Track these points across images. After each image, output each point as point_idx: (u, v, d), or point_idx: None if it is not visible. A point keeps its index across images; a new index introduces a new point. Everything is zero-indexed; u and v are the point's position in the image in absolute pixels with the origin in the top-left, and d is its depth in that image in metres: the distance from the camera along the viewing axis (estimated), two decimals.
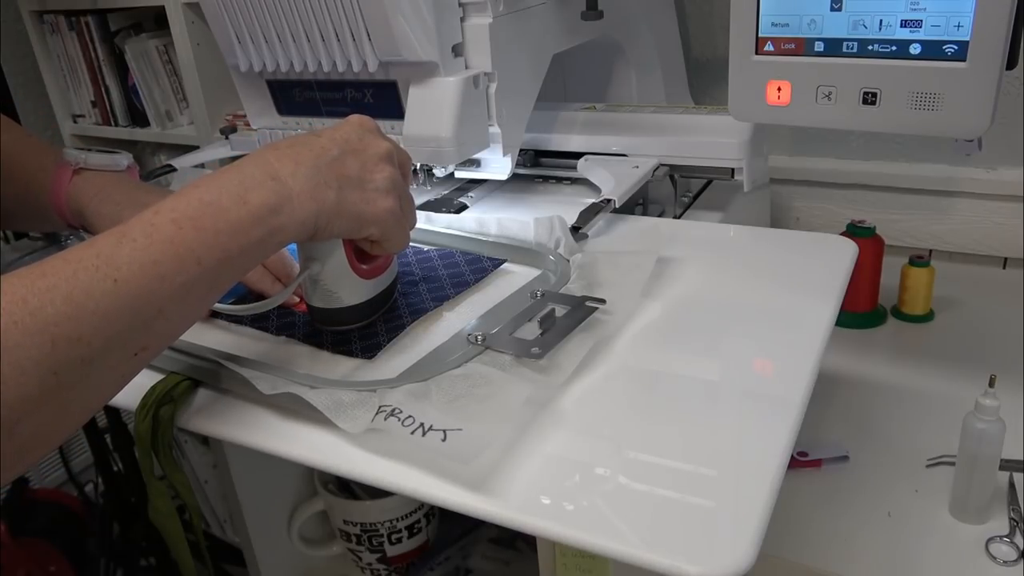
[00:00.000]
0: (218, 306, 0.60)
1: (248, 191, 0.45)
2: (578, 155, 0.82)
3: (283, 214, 0.46)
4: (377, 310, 0.59)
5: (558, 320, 0.53)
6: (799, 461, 0.66)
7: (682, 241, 0.68)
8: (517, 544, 1.00)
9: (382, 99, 0.74)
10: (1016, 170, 0.94)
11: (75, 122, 1.56)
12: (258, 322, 0.61)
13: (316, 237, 0.50)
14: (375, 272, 0.57)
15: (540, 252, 0.66)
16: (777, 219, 1.08)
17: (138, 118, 1.45)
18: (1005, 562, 0.56)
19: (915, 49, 0.54)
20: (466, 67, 0.71)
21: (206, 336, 0.60)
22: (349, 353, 0.56)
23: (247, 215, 0.45)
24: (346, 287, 0.56)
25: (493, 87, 0.71)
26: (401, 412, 0.45)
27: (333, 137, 0.51)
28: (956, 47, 0.53)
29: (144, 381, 0.54)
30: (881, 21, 0.55)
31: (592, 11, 0.74)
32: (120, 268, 0.40)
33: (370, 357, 0.55)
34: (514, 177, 0.80)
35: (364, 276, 0.56)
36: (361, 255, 0.56)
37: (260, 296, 0.62)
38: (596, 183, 0.77)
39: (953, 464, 0.61)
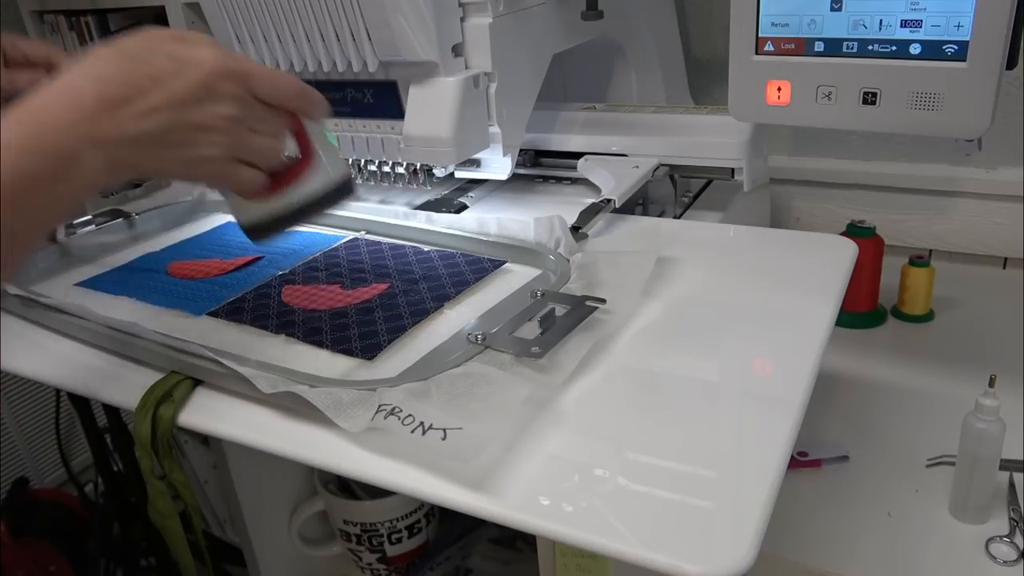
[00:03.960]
0: None
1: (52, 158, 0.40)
2: (578, 155, 0.82)
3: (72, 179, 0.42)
4: (303, 217, 0.54)
5: (558, 320, 0.53)
6: (799, 461, 0.66)
7: (682, 241, 0.68)
8: (517, 544, 1.00)
9: (382, 99, 0.74)
10: (1016, 170, 0.94)
11: None
12: (258, 321, 0.61)
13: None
14: (271, 191, 0.52)
15: (540, 252, 0.66)
16: (777, 219, 1.08)
17: None
18: (1005, 562, 0.56)
19: (915, 49, 0.54)
20: (466, 67, 0.71)
21: (206, 336, 0.60)
22: (349, 352, 0.56)
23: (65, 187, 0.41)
24: (245, 209, 0.53)
25: (493, 87, 0.71)
26: (401, 411, 0.45)
27: (150, 98, 0.44)
28: (956, 47, 0.53)
29: (144, 381, 0.54)
30: (881, 21, 0.55)
31: (592, 11, 0.74)
32: None
33: (370, 357, 0.55)
34: (514, 177, 0.80)
35: (260, 199, 0.52)
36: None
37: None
38: (596, 183, 0.77)
39: (953, 464, 0.61)
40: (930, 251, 1.01)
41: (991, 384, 0.58)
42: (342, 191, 0.55)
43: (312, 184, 0.53)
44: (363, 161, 0.80)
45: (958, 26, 0.52)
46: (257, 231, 0.53)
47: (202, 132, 0.45)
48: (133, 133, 0.43)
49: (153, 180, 0.92)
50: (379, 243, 0.74)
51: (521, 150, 0.82)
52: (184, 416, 0.52)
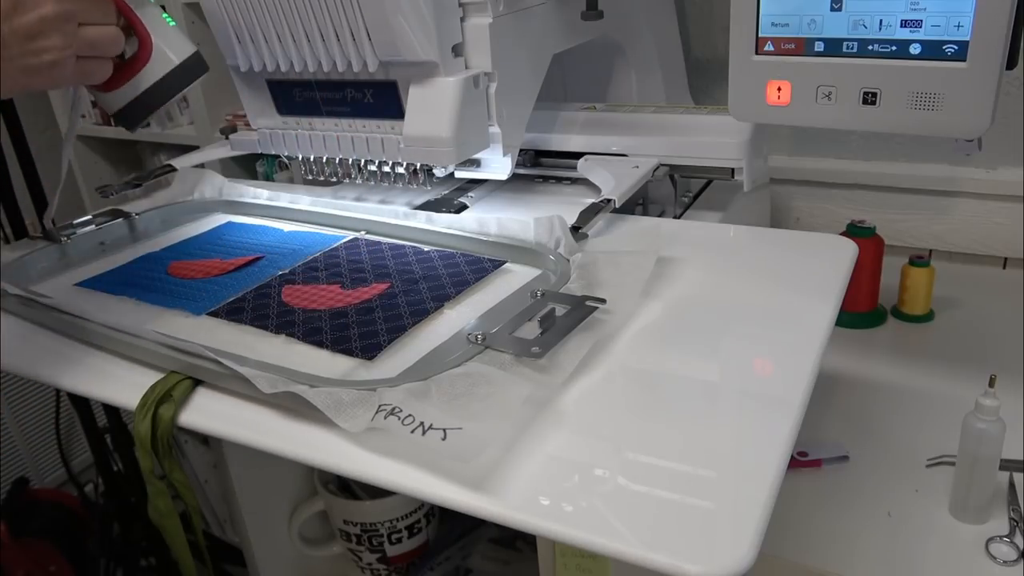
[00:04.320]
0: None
1: None
2: (578, 155, 0.82)
3: None
4: (161, 96, 0.61)
5: (558, 320, 0.53)
6: (799, 461, 0.66)
7: (682, 241, 0.68)
8: (517, 544, 1.00)
9: (382, 99, 0.74)
10: (1016, 170, 0.94)
11: None
12: (258, 321, 0.61)
13: None
14: (123, 80, 0.59)
15: (540, 252, 0.66)
16: (777, 219, 1.08)
17: None
18: (1005, 562, 0.56)
19: (915, 49, 0.54)
20: (466, 67, 0.71)
21: (206, 335, 0.60)
22: (349, 352, 0.56)
23: None
24: (108, 100, 0.60)
25: (493, 87, 0.71)
26: (401, 411, 0.45)
27: None
28: (956, 47, 0.53)
29: (144, 381, 0.54)
30: (881, 21, 0.55)
31: (592, 11, 0.74)
32: None
33: (370, 357, 0.55)
34: (514, 177, 0.80)
35: (109, 89, 0.59)
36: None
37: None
38: (596, 183, 0.77)
39: (953, 464, 0.61)
40: (930, 251, 1.01)
41: (991, 384, 0.58)
42: (192, 69, 0.61)
43: (157, 66, 0.60)
44: (363, 161, 0.80)
45: (958, 26, 0.52)
46: (123, 118, 0.60)
47: (35, 39, 0.46)
48: None
49: (152, 180, 0.92)
50: (379, 243, 0.74)
51: (521, 150, 0.82)
52: (184, 416, 0.52)
